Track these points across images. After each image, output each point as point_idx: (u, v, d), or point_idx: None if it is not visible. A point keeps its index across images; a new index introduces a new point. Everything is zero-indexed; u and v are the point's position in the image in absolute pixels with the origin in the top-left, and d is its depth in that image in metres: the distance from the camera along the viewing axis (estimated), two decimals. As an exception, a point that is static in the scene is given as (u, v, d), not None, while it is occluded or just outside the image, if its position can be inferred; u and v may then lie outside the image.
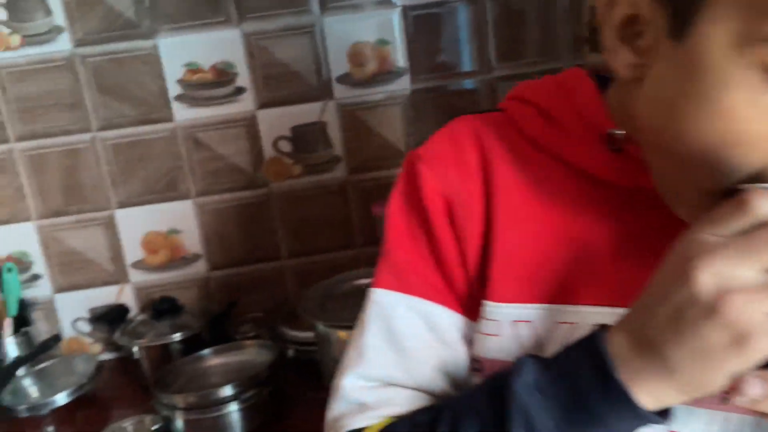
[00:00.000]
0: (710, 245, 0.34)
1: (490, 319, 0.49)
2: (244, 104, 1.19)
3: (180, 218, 1.24)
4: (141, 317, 1.21)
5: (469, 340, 0.52)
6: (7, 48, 1.14)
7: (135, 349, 1.12)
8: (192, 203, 1.23)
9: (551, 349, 0.45)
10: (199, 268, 1.26)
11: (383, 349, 0.51)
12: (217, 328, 1.19)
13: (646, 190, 0.43)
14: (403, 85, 1.20)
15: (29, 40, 1.14)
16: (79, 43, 1.15)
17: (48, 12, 1.13)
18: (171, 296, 1.20)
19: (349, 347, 0.54)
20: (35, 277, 1.24)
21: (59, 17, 1.14)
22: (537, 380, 0.40)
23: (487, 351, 0.50)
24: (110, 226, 1.23)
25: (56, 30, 1.14)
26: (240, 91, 1.19)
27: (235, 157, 1.22)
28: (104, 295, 1.26)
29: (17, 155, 1.19)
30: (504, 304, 0.48)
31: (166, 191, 1.22)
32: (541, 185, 0.49)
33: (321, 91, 1.20)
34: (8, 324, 1.17)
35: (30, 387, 1.13)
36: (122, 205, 1.22)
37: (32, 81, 1.16)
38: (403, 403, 0.50)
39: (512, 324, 0.48)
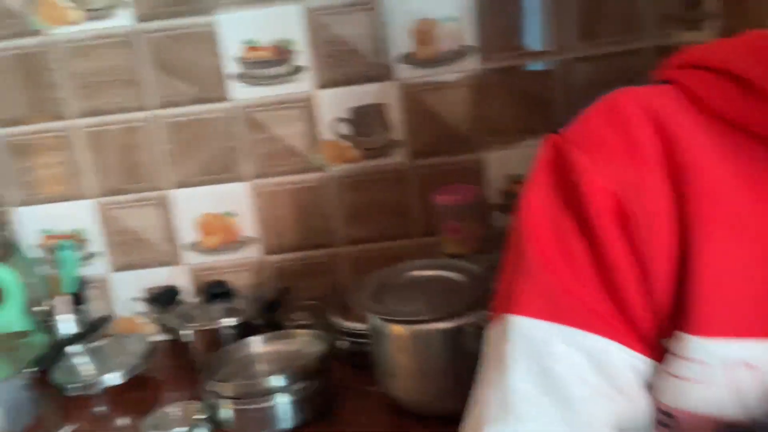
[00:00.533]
0: None
1: (692, 359, 0.38)
2: (303, 84, 1.15)
3: (235, 201, 1.21)
4: (194, 300, 1.19)
5: (650, 386, 0.42)
6: (70, 22, 1.13)
7: (186, 332, 1.10)
8: (248, 185, 1.20)
9: None
10: (254, 252, 1.23)
11: (538, 399, 0.40)
12: (270, 314, 1.15)
13: None
14: (471, 65, 1.13)
15: (91, 14, 1.13)
16: (139, 18, 1.13)
17: (109, -14, 1.12)
18: (223, 280, 1.18)
19: (484, 389, 0.43)
20: (91, 255, 1.24)
21: (120, -8, 1.12)
22: None
23: (685, 401, 0.39)
24: (166, 206, 1.21)
25: (118, 4, 1.12)
26: (299, 69, 1.14)
27: (291, 138, 1.18)
28: (159, 276, 1.25)
29: (76, 132, 1.18)
30: (716, 339, 0.37)
31: (222, 172, 1.19)
32: (761, 180, 0.38)
33: (382, 71, 1.14)
34: (63, 301, 1.16)
35: (83, 366, 1.12)
36: (178, 185, 1.20)
37: (93, 57, 1.15)
38: None
39: (727, 367, 0.37)
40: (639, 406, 0.41)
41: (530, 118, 1.15)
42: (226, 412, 0.90)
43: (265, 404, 0.88)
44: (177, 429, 0.86)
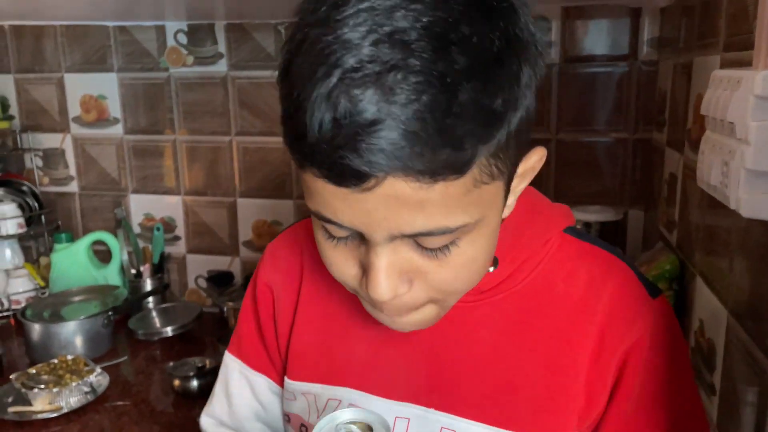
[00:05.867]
0: None
1: (288, 390, 0.62)
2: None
3: (282, 213, 1.54)
4: (238, 285, 1.53)
5: (282, 399, 0.65)
6: (183, 65, 1.52)
7: (225, 308, 1.44)
8: (292, 203, 1.52)
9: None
10: (291, 256, 1.55)
11: (222, 400, 0.68)
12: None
13: None
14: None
15: (199, 61, 1.51)
16: (232, 67, 1.49)
17: (215, 41, 1.49)
18: (259, 273, 1.50)
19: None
20: (176, 238, 1.62)
21: (222, 46, 1.49)
22: None
23: (289, 409, 0.63)
24: (232, 209, 1.57)
25: (218, 56, 1.50)
26: (341, 120, 1.44)
27: (330, 172, 1.48)
28: (220, 262, 1.61)
29: (179, 144, 1.57)
30: (294, 382, 0.61)
31: (275, 190, 1.53)
32: (324, 290, 0.60)
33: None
34: (147, 268, 1.55)
35: (153, 319, 1.50)
36: (243, 195, 1.55)
37: (196, 91, 1.53)
38: None
39: (302, 394, 0.61)
40: (272, 411, 0.66)
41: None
42: (227, 369, 1.21)
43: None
44: (188, 373, 1.18)
